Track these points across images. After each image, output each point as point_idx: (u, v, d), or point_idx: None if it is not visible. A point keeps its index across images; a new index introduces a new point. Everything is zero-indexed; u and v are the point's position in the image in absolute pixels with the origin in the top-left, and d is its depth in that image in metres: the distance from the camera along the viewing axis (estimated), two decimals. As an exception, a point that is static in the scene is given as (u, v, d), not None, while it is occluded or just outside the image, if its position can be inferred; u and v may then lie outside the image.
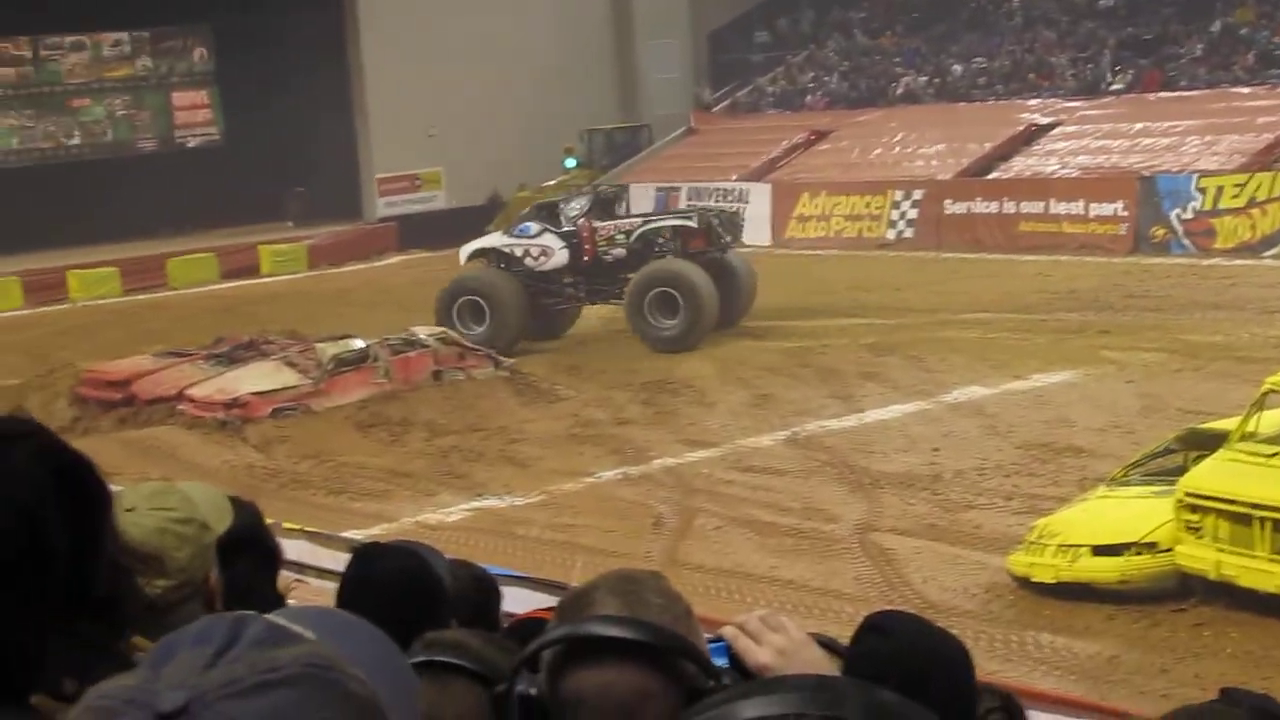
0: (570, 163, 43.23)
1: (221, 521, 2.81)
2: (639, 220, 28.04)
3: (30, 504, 1.57)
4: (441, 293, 27.30)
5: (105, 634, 1.63)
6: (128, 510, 2.59)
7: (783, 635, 2.14)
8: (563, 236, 27.42)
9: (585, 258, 27.29)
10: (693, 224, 27.15)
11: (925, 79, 41.81)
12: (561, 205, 28.39)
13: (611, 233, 27.41)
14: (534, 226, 27.94)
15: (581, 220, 27.60)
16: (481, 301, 26.56)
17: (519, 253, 27.59)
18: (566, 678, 1.97)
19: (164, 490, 2.70)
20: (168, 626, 2.39)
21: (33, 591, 1.56)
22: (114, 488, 1.81)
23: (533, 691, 1.99)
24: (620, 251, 27.20)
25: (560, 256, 27.31)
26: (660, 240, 27.09)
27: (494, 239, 29.06)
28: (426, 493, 18.47)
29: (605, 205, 28.49)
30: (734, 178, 40.14)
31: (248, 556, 3.20)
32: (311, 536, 13.66)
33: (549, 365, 24.71)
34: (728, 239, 27.36)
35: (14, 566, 1.56)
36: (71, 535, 1.59)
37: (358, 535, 15.11)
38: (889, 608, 2.74)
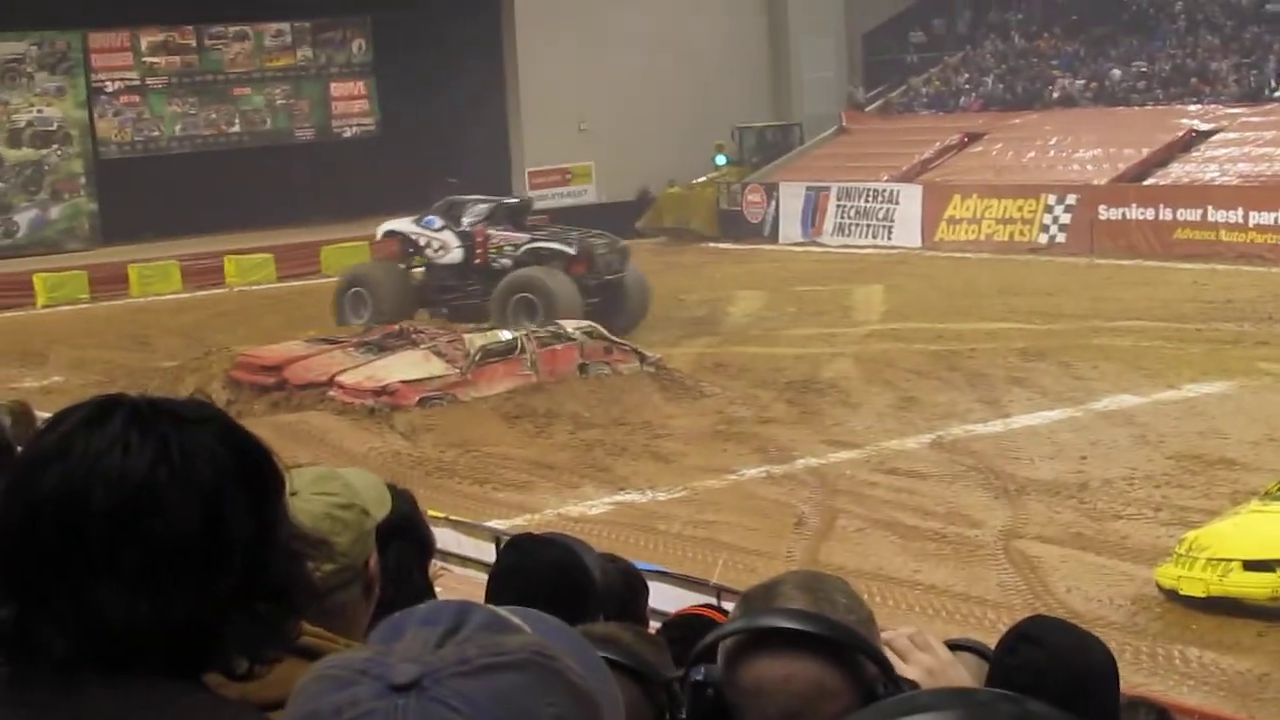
0: (720, 160, 43.22)
1: (381, 508, 2.85)
2: (527, 237, 28.91)
3: (215, 486, 1.61)
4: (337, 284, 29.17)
5: (279, 616, 1.66)
6: (291, 494, 2.63)
7: (930, 654, 2.14)
8: (460, 236, 28.92)
9: (476, 260, 28.78)
10: (572, 252, 28.17)
11: (1083, 82, 41.25)
12: (467, 206, 29.64)
13: (502, 243, 28.70)
14: (438, 221, 29.59)
15: (478, 225, 29.06)
16: (364, 292, 28.32)
17: (422, 242, 29.41)
18: (747, 667, 1.99)
19: (327, 475, 2.74)
20: (326, 610, 2.45)
21: (215, 572, 1.60)
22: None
23: (704, 679, 2.01)
24: (507, 262, 28.52)
25: (455, 254, 29.03)
26: (543, 259, 28.24)
27: (404, 223, 30.52)
28: (569, 485, 18.57)
29: (510, 214, 29.75)
30: (884, 178, 39.89)
31: (402, 543, 3.24)
32: (455, 525, 13.83)
33: (694, 362, 24.74)
34: (616, 269, 28.28)
35: (198, 547, 1.59)
36: (252, 518, 1.63)
37: (501, 525, 15.25)
38: (1039, 614, 2.71)
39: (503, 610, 1.34)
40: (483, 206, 29.65)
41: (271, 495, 1.67)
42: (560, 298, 26.65)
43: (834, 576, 2.16)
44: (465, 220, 29.27)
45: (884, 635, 2.16)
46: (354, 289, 29.08)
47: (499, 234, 28.99)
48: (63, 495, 1.58)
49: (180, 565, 1.58)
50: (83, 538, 1.57)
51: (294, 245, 39.62)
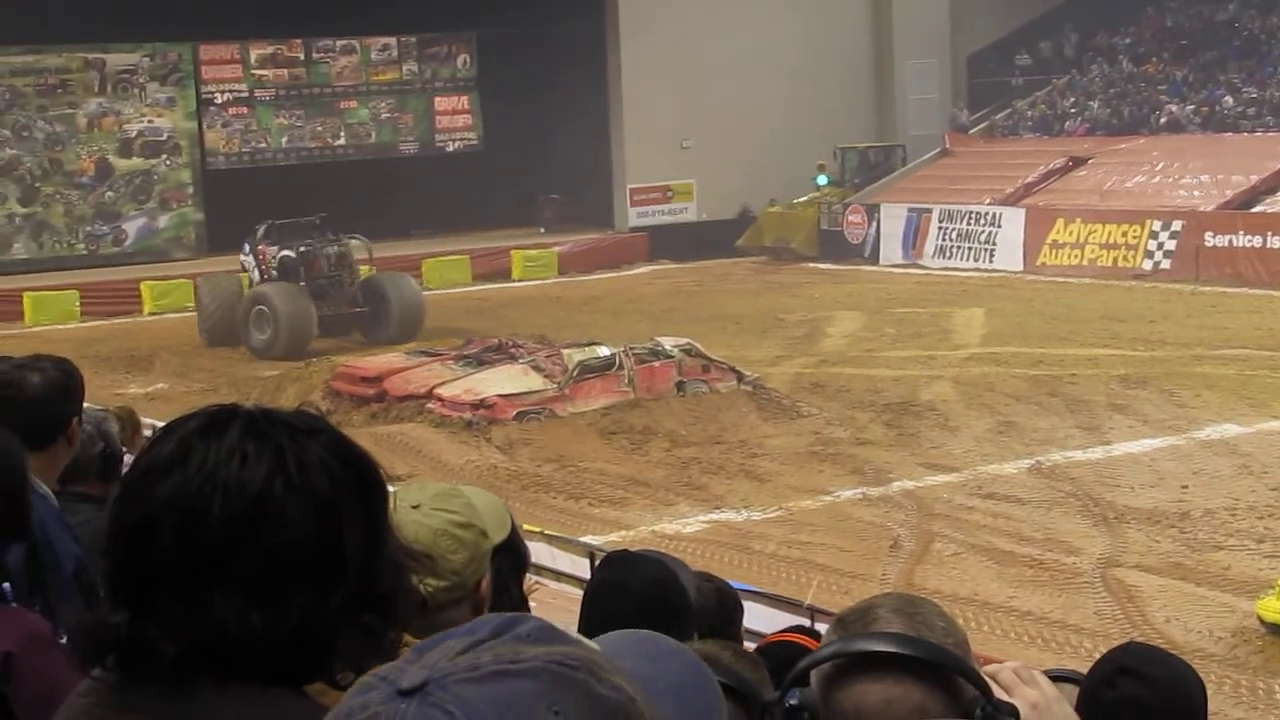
0: (822, 180, 43.14)
1: (500, 531, 2.88)
2: (278, 249, 31.41)
3: (329, 497, 1.63)
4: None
5: (383, 627, 1.68)
6: (413, 508, 2.66)
7: (1036, 689, 2.12)
8: (253, 256, 31.66)
9: (263, 278, 31.09)
10: (292, 255, 31.03)
11: (1191, 108, 40.81)
12: (257, 229, 32.15)
13: (270, 259, 31.28)
14: (247, 245, 32.14)
15: (259, 244, 31.64)
16: (265, 310, 29.81)
17: (245, 266, 32.15)
18: (845, 691, 1.98)
19: (450, 493, 2.77)
20: (437, 627, 2.47)
21: (328, 583, 1.62)
22: (392, 487, 1.87)
23: (800, 703, 2.01)
24: (274, 274, 31.10)
25: (255, 274, 31.53)
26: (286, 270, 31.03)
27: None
28: (665, 502, 18.57)
29: (291, 229, 32.01)
30: (987, 201, 39.65)
31: (501, 557, 3.27)
32: (550, 540, 13.88)
33: (792, 381, 24.69)
34: (342, 275, 31.06)
35: (313, 558, 1.62)
36: (362, 529, 1.65)
37: (595, 541, 15.28)
38: (1133, 642, 2.68)
39: (561, 626, 1.34)
40: (262, 227, 32.20)
41: (380, 507, 1.70)
42: (283, 307, 29.37)
43: (928, 600, 2.15)
44: (255, 241, 31.96)
45: (989, 668, 2.14)
46: (259, 306, 30.12)
47: (271, 250, 31.45)
48: (181, 504, 1.60)
49: (295, 575, 1.60)
50: (200, 546, 1.59)
51: (396, 258, 39.83)
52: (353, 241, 32.09)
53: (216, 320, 31.16)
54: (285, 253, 31.19)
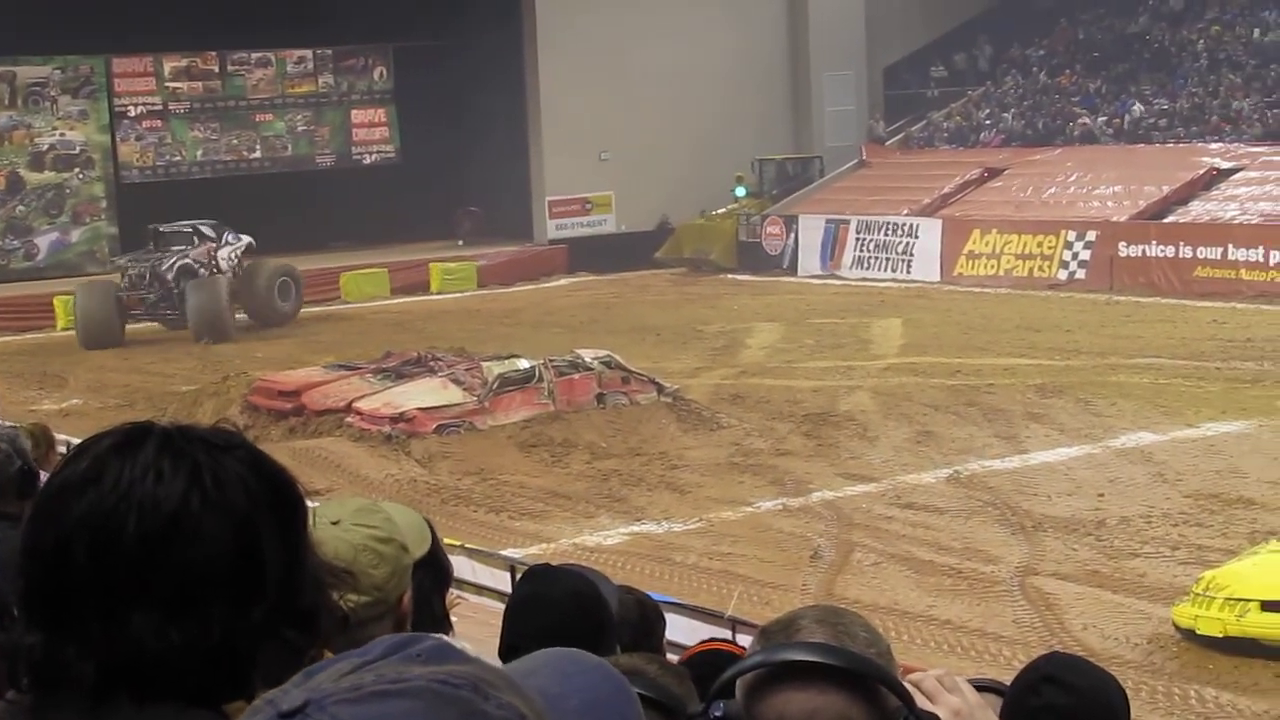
0: (740, 191, 43.29)
1: (421, 546, 2.86)
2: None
3: (247, 513, 1.61)
4: None
5: (303, 645, 1.66)
6: (333, 523, 2.64)
7: (959, 697, 2.14)
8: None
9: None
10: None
11: (1104, 119, 41.26)
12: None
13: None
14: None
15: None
16: None
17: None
18: (769, 702, 1.98)
19: (370, 508, 2.75)
20: (359, 643, 2.45)
21: (247, 599, 1.60)
22: (313, 502, 1.86)
23: (724, 714, 2.00)
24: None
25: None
26: None
27: None
28: (585, 515, 18.56)
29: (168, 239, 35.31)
30: (904, 212, 39.92)
31: (422, 572, 3.25)
32: (471, 553, 13.84)
33: (712, 393, 24.74)
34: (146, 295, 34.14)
35: (231, 574, 1.60)
36: (282, 545, 1.63)
37: (516, 554, 15.25)
38: (1057, 652, 2.70)
39: (461, 643, 1.33)
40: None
41: (299, 523, 1.68)
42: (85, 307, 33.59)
43: (851, 611, 2.16)
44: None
45: (912, 676, 2.15)
46: None
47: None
48: (95, 522, 1.58)
49: (213, 592, 1.58)
50: (116, 564, 1.57)
51: (313, 272, 39.69)
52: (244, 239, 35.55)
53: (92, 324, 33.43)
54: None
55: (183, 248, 34.58)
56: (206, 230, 35.17)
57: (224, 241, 35.05)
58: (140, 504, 1.58)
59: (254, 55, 44.65)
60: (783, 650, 1.99)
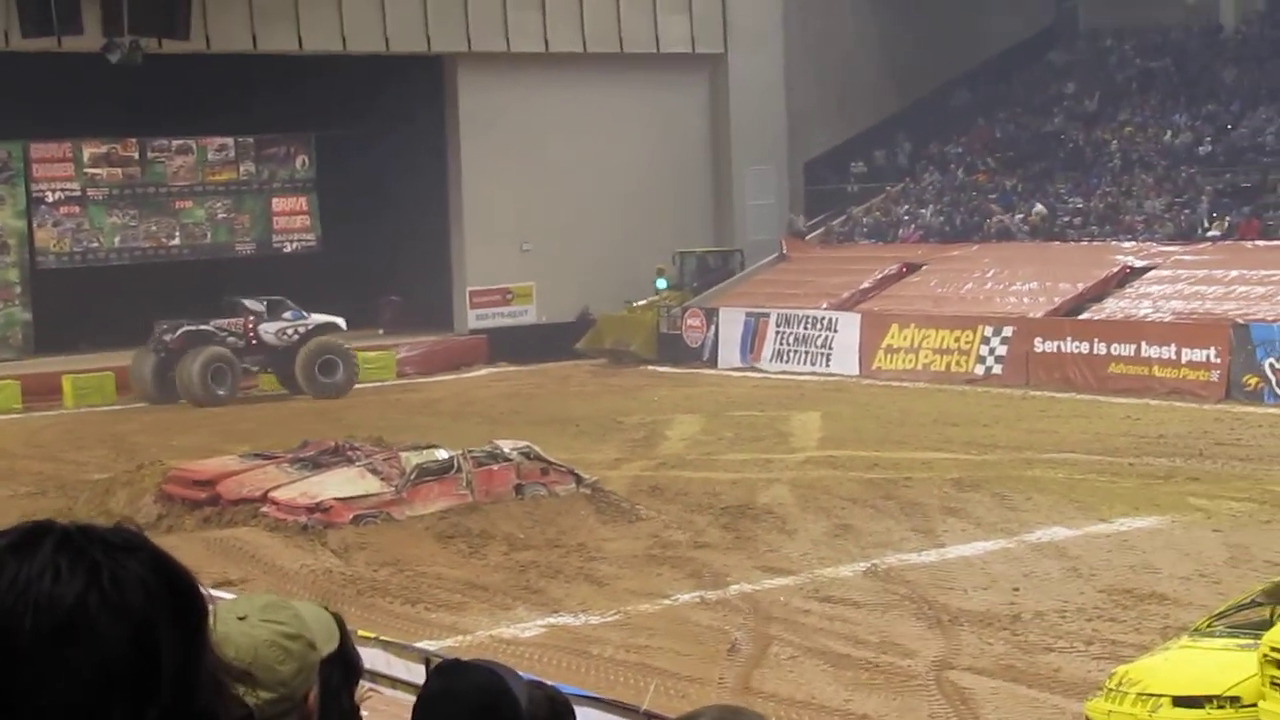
0: (661, 283, 43.49)
1: (328, 643, 2.84)
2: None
3: (146, 614, 1.60)
4: None
5: (201, 747, 1.65)
6: (240, 619, 2.62)
7: None
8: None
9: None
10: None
11: (1020, 216, 41.83)
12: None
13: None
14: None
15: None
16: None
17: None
18: None
19: (277, 604, 2.74)
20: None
21: (143, 701, 1.59)
22: (223, 594, 1.85)
23: None
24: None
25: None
26: None
27: None
28: (502, 606, 18.46)
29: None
30: (824, 306, 40.21)
31: (330, 665, 3.23)
32: (386, 646, 13.71)
33: (631, 484, 24.73)
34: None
35: (127, 677, 1.58)
36: (180, 647, 1.62)
37: (432, 646, 15.13)
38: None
39: None
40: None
41: (198, 625, 1.67)
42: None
43: (750, 710, 2.17)
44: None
45: None
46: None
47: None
48: None
49: (108, 694, 1.57)
50: (11, 665, 1.55)
51: (231, 359, 39.49)
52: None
53: None
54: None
55: (224, 320, 37.69)
56: (252, 305, 38.04)
57: (281, 318, 38.06)
58: (36, 603, 1.57)
59: (174, 142, 44.56)
60: None
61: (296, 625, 2.69)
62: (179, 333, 36.93)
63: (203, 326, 37.17)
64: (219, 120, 43.22)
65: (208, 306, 37.91)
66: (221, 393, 36.72)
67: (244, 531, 21.73)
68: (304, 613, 2.79)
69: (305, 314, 38.40)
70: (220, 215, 45.39)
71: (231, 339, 37.51)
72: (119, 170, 44.05)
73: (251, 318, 37.94)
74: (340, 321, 38.90)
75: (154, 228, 44.40)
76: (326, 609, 3.24)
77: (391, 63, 42.82)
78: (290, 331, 38.06)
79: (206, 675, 1.65)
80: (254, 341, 37.78)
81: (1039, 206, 41.42)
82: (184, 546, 19.16)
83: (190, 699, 1.62)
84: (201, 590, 1.68)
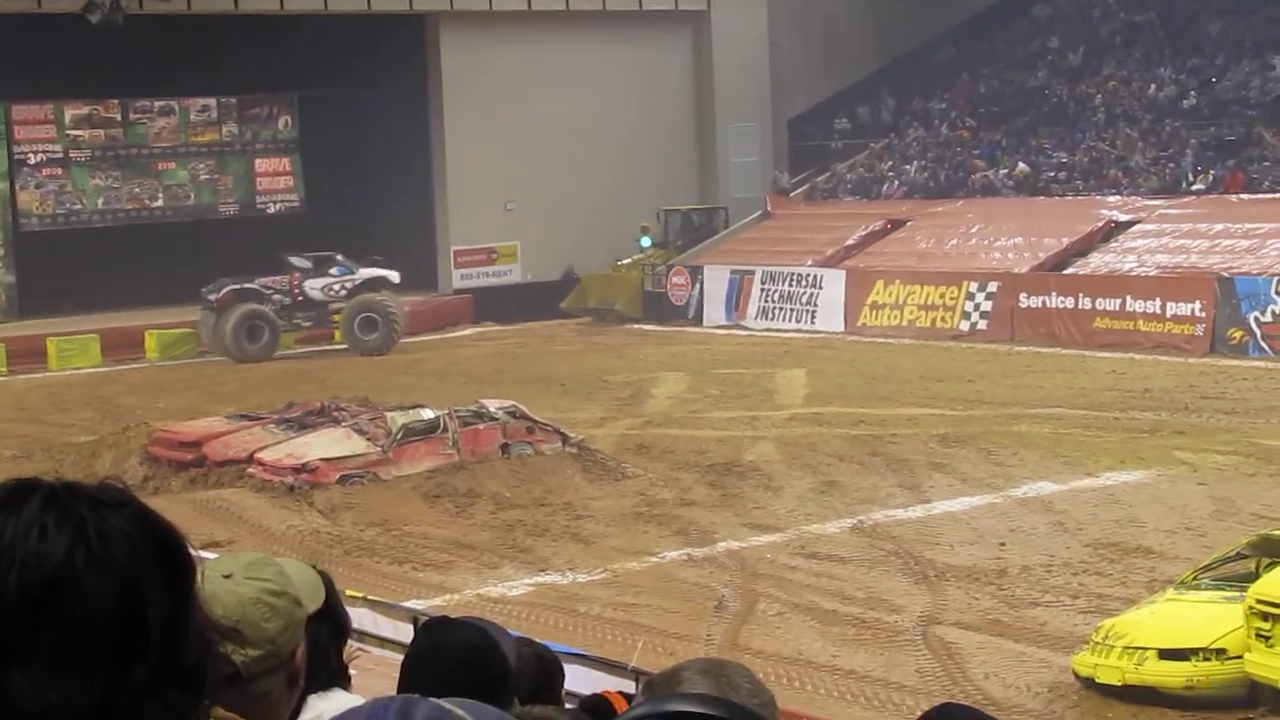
0: (646, 242, 43.41)
1: (314, 600, 2.84)
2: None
3: (132, 571, 1.59)
4: None
5: (188, 704, 1.64)
6: (225, 577, 2.62)
7: None
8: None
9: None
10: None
11: (1005, 172, 41.80)
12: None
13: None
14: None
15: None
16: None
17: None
18: None
19: (262, 561, 2.74)
20: (248, 696, 2.43)
21: (130, 659, 1.58)
22: (210, 555, 1.84)
23: None
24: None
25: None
26: None
27: None
28: (489, 565, 18.49)
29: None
30: (809, 263, 40.18)
31: (319, 624, 3.23)
32: (374, 605, 13.73)
33: (617, 443, 24.74)
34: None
35: (113, 633, 1.57)
36: (167, 604, 1.61)
37: (419, 605, 15.15)
38: (947, 703, 2.71)
39: (448, 703, 1.33)
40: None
41: (186, 581, 1.66)
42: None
43: (735, 663, 2.18)
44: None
45: None
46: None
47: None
48: None
49: (95, 651, 1.56)
50: None
51: (216, 320, 39.42)
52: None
53: None
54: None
55: (270, 278, 37.98)
56: (299, 261, 38.30)
57: (327, 274, 38.19)
58: (22, 560, 1.56)
59: (157, 104, 44.30)
60: (665, 702, 2.01)
61: (282, 582, 2.69)
62: (224, 291, 37.10)
63: (247, 284, 37.43)
64: (201, 81, 42.99)
65: (257, 264, 38.04)
66: (255, 349, 36.82)
67: (230, 493, 21.73)
68: (289, 570, 2.79)
69: (354, 269, 38.43)
70: (203, 176, 45.18)
71: (277, 296, 37.76)
72: (101, 132, 43.81)
73: (297, 274, 38.13)
74: (392, 275, 38.75)
75: (137, 189, 44.19)
76: (314, 568, 3.24)
77: (373, 21, 42.61)
78: (336, 287, 38.14)
79: (194, 633, 1.64)
80: (300, 298, 38.02)
81: (1021, 165, 41.40)
82: (170, 508, 19.11)
83: (178, 656, 1.61)
84: (187, 545, 1.67)
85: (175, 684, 1.61)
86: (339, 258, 38.70)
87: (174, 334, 38.57)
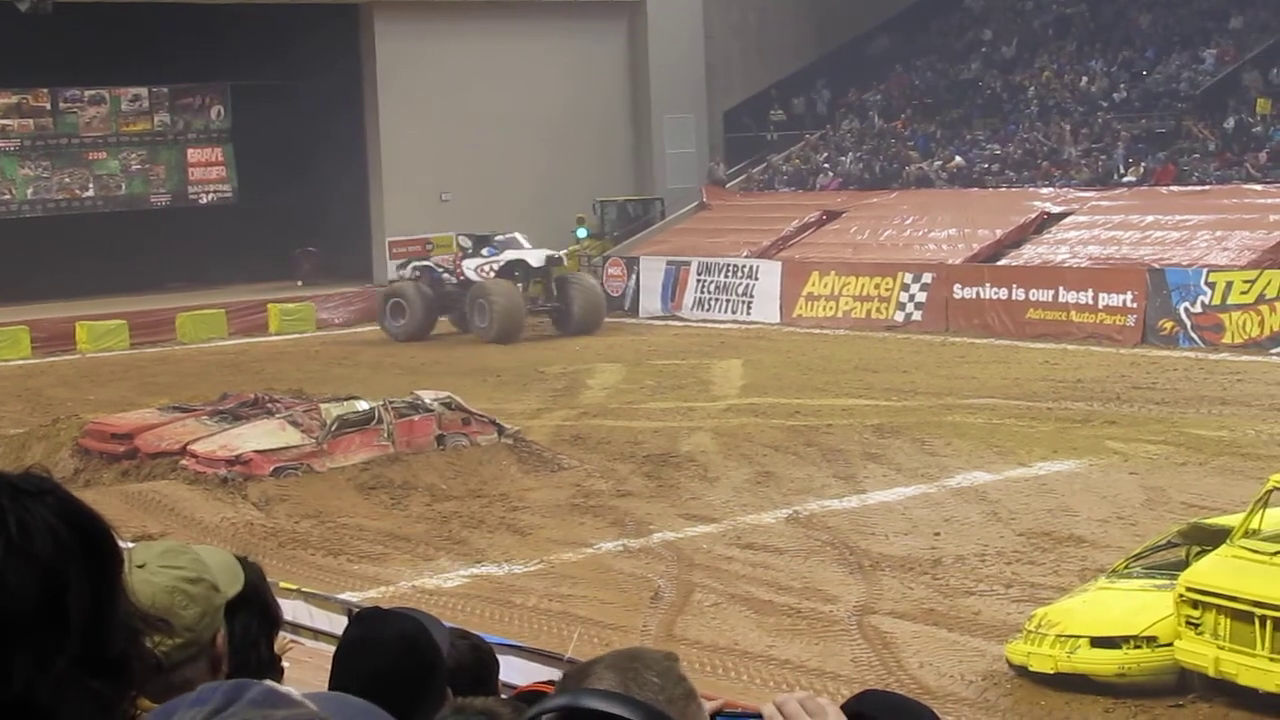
0: (582, 232, 43.39)
1: (233, 585, 2.82)
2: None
3: (53, 561, 1.57)
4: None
5: (114, 693, 1.61)
6: (139, 567, 2.59)
7: (821, 719, 2.16)
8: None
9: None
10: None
11: (939, 163, 42.00)
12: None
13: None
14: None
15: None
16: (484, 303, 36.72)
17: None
18: None
19: (176, 549, 2.71)
20: (171, 686, 2.40)
21: (52, 649, 1.55)
22: (126, 545, 1.81)
23: None
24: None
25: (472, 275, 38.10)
26: None
27: None
28: (425, 557, 18.42)
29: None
30: (744, 254, 40.27)
31: (248, 615, 3.21)
32: (308, 597, 13.64)
33: (553, 434, 24.72)
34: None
35: (35, 624, 1.55)
36: (90, 593, 1.59)
37: (354, 597, 15.08)
38: (870, 689, 2.70)
39: (285, 688, 1.31)
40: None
41: (110, 571, 1.63)
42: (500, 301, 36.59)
43: (659, 655, 2.17)
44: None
45: (777, 699, 2.18)
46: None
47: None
48: None
49: (16, 641, 1.53)
50: None
51: (147, 312, 39.15)
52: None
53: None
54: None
55: (444, 257, 38.90)
56: (463, 240, 38.54)
57: (480, 254, 37.72)
58: None
59: (87, 93, 43.91)
60: (570, 697, 2.03)
61: (197, 569, 2.66)
62: (409, 268, 38.24)
63: (426, 262, 38.26)
64: (132, 70, 42.64)
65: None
66: (396, 328, 37.15)
67: (163, 485, 21.56)
68: (207, 557, 2.77)
69: (500, 250, 37.79)
70: (135, 166, 44.82)
71: (446, 275, 37.83)
72: (30, 121, 43.37)
73: (460, 253, 38.17)
74: (531, 257, 37.63)
75: (67, 179, 43.79)
76: (245, 558, 3.21)
77: (307, 11, 42.40)
78: (486, 268, 37.54)
79: (120, 623, 1.62)
80: (461, 277, 37.65)
81: (958, 158, 41.58)
82: (102, 501, 18.98)
83: (103, 647, 1.59)
84: (113, 535, 1.65)
85: (100, 675, 1.59)
86: (494, 237, 38.10)
87: (105, 325, 38.22)
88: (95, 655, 1.58)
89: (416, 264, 38.29)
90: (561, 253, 39.78)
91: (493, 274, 37.20)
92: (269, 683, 1.30)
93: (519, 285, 37.11)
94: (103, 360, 36.03)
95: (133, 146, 44.69)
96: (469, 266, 37.63)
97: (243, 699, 1.24)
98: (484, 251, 37.70)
